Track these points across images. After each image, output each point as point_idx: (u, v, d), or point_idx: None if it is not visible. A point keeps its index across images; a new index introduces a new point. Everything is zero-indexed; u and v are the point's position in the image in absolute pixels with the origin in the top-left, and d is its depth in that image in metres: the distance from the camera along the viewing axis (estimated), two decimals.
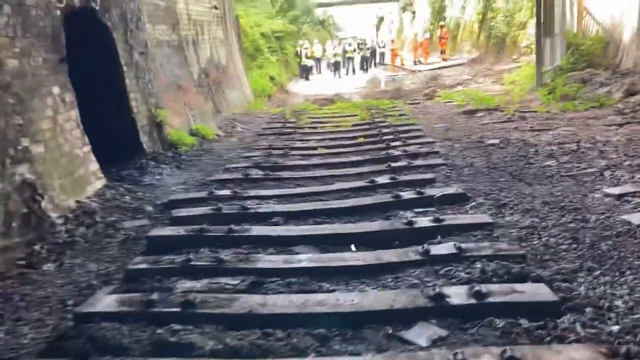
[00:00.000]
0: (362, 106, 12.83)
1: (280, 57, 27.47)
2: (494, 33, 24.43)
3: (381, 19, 73.59)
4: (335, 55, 29.70)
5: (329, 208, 5.23)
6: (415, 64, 30.18)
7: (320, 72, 33.91)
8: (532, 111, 10.12)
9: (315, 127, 10.49)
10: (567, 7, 14.04)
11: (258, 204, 5.51)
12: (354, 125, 10.32)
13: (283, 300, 3.42)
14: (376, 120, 10.58)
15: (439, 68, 26.83)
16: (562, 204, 4.96)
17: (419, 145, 7.82)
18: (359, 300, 3.36)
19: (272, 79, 21.09)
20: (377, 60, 34.06)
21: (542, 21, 11.60)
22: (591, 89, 10.66)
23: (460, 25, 31.82)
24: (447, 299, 3.25)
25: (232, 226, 4.64)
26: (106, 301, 3.52)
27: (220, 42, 12.92)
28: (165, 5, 9.32)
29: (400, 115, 11.08)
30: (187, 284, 3.79)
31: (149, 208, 5.70)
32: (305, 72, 29.30)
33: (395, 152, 7.48)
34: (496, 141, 7.64)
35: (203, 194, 5.86)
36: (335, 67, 29.96)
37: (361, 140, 8.85)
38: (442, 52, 30.15)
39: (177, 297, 3.48)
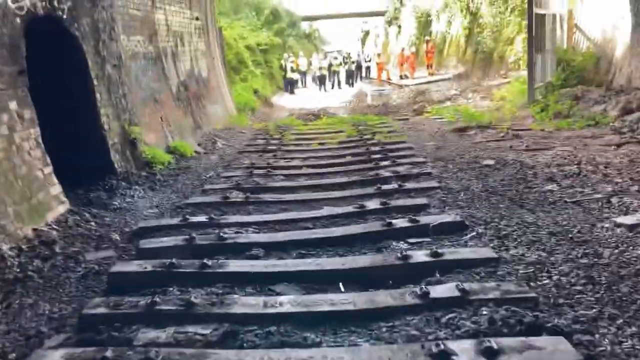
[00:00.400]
0: (349, 122, 12.40)
1: (265, 70, 27.07)
2: (480, 48, 24.27)
3: (367, 33, 73.73)
4: (321, 68, 29.35)
5: (315, 238, 4.74)
6: (401, 79, 29.94)
7: (305, 86, 33.56)
8: (526, 129, 9.76)
9: (300, 144, 10.03)
10: (557, 23, 13.79)
11: (237, 232, 5.01)
12: (340, 143, 9.87)
13: (260, 358, 2.91)
14: (364, 137, 10.15)
15: (426, 83, 26.60)
16: (570, 235, 4.53)
17: (410, 166, 7.38)
18: (350, 358, 2.87)
19: (256, 92, 20.65)
20: (363, 74, 33.81)
21: (533, 36, 11.29)
22: (585, 107, 10.34)
23: (447, 39, 31.72)
24: (453, 358, 2.77)
25: (206, 260, 4.13)
26: (51, 358, 2.98)
27: (201, 55, 12.44)
28: (142, 15, 8.83)
29: (389, 132, 10.67)
30: (150, 334, 3.26)
31: (116, 236, 5.16)
32: (291, 85, 28.91)
33: (385, 173, 7.02)
34: (492, 162, 7.22)
35: (176, 220, 5.34)
36: (321, 80, 29.61)
37: (349, 159, 8.39)
38: (429, 66, 29.99)
39: (136, 353, 2.96)
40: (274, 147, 9.63)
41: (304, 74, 33.53)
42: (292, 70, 28.72)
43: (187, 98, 10.74)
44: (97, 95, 6.92)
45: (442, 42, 32.12)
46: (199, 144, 9.98)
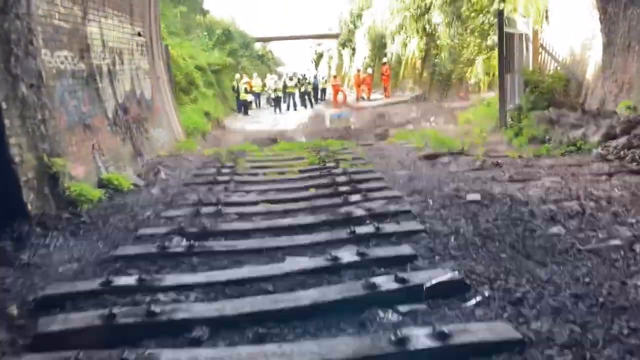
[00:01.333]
0: (309, 147, 11.38)
1: (217, 91, 25.88)
2: (438, 70, 23.89)
3: (320, 55, 73.58)
4: (276, 90, 28.37)
5: (278, 310, 3.62)
6: (358, 101, 29.30)
7: (259, 107, 32.51)
8: (502, 156, 8.97)
9: (256, 174, 8.91)
10: (523, 43, 13.27)
11: (174, 301, 3.85)
12: (302, 172, 8.81)
13: None
14: (327, 165, 9.14)
15: (383, 105, 26.02)
16: (600, 298, 3.60)
17: (384, 201, 6.37)
18: None
19: (207, 114, 19.44)
20: (319, 96, 33.06)
21: (504, 57, 10.61)
22: (562, 131, 9.66)
23: (402, 61, 31.38)
24: None
25: (127, 354, 2.96)
26: None
27: (144, 74, 11.21)
28: (70, 27, 7.58)
29: (354, 159, 9.70)
30: None
31: (14, 310, 3.90)
32: (244, 107, 27.78)
33: (358, 212, 5.98)
34: (477, 196, 6.29)
35: (95, 284, 4.11)
36: (276, 102, 28.61)
37: (313, 192, 7.33)
38: (385, 89, 29.49)
39: None
40: (226, 178, 8.47)
41: (258, 95, 32.51)
42: (246, 92, 27.62)
43: (126, 122, 9.48)
44: (7, 122, 5.65)
45: (397, 64, 31.76)
46: (138, 175, 8.71)
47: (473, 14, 18.99)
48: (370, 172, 8.38)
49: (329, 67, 62.84)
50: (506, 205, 5.91)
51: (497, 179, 7.34)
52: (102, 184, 7.49)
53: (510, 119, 12.07)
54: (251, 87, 30.55)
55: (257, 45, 55.94)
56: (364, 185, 7.28)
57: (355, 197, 6.62)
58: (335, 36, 58.15)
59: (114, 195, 7.36)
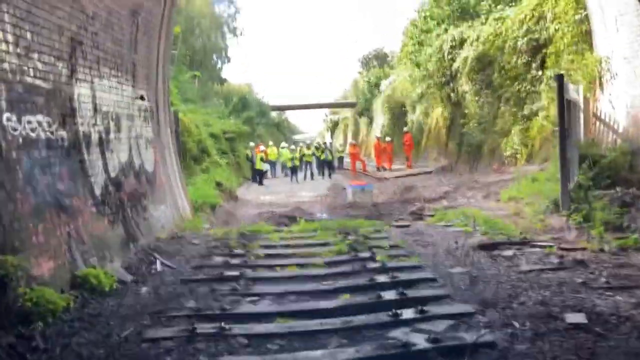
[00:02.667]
0: (334, 229, 9.70)
1: (230, 160, 24.62)
2: (467, 140, 22.44)
3: (336, 123, 73.40)
4: (293, 159, 27.06)
5: None
6: (378, 170, 27.85)
7: (275, 176, 31.21)
8: (579, 248, 7.20)
9: (271, 267, 7.20)
10: (574, 112, 11.73)
11: None
12: (329, 265, 7.10)
13: None
14: (360, 255, 7.44)
15: (406, 176, 24.48)
16: None
17: (450, 322, 4.62)
18: None
19: (219, 185, 17.96)
20: (336, 164, 31.77)
21: (565, 127, 9.04)
22: None
23: (424, 130, 30.15)
24: None
25: None
26: None
27: (146, 143, 9.77)
28: (49, 87, 6.15)
29: (391, 247, 7.99)
30: None
31: None
32: (260, 176, 26.42)
33: (417, 341, 4.22)
34: (581, 318, 4.52)
35: None
36: (292, 171, 27.24)
37: (345, 299, 5.58)
38: (407, 158, 28.10)
39: None
40: (235, 273, 6.76)
41: (273, 163, 31.33)
42: (262, 160, 26.33)
43: (119, 201, 7.91)
44: None
45: (419, 133, 30.55)
46: (127, 268, 7.04)
47: (507, 82, 17.65)
48: (417, 268, 6.65)
49: (345, 135, 62.32)
50: (631, 336, 4.12)
51: (590, 284, 5.57)
52: (76, 284, 5.82)
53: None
54: (267, 155, 29.38)
55: (273, 114, 55.70)
56: (414, 292, 5.53)
57: (407, 314, 4.86)
58: (351, 105, 57.82)
59: (89, 299, 5.67)
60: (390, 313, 4.83)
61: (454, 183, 17.56)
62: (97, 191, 7.24)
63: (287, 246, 8.57)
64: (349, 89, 69.16)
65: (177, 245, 8.75)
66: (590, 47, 12.55)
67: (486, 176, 17.53)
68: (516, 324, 4.50)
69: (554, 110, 15.18)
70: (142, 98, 9.54)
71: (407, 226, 9.92)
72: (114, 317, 5.21)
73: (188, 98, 29.05)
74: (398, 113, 36.37)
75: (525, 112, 16.78)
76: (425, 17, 30.97)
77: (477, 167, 21.46)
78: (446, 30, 27.29)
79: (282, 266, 7.20)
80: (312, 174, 28.61)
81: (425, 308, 4.91)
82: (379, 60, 58.70)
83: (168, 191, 10.67)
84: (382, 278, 6.17)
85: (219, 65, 48.95)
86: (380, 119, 41.18)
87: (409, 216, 11.22)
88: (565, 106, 9.08)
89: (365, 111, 49.88)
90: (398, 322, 4.69)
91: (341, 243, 8.32)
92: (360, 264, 6.99)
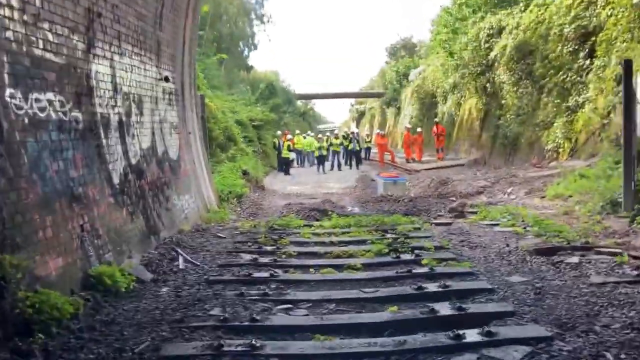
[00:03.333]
0: (370, 225, 8.96)
1: (257, 148, 23.98)
2: (502, 132, 21.39)
3: (362, 113, 72.29)
4: (320, 148, 26.30)
5: None
6: (408, 162, 26.94)
7: (302, 165, 30.55)
8: None
9: (305, 269, 6.49)
10: None
11: None
12: (368, 268, 6.37)
13: None
14: (402, 257, 6.69)
15: (437, 168, 23.55)
16: None
17: (525, 347, 3.84)
18: None
19: (245, 173, 17.33)
20: (363, 155, 30.92)
21: (631, 119, 8.10)
22: None
23: (456, 122, 29.09)
24: None
25: None
26: None
27: (171, 128, 9.13)
28: (62, 62, 5.50)
29: (436, 248, 7.21)
30: None
31: None
32: (286, 165, 25.76)
33: None
34: None
35: None
36: (319, 161, 26.49)
37: (394, 311, 4.83)
38: (438, 150, 27.12)
39: None
40: (264, 275, 6.07)
41: (300, 152, 30.66)
42: (289, 149, 25.64)
43: (139, 190, 7.28)
44: None
45: (449, 125, 29.51)
46: (147, 263, 6.41)
47: (551, 71, 16.55)
48: (470, 276, 5.86)
49: (371, 125, 61.22)
50: None
51: None
52: (88, 284, 5.20)
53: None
54: (294, 144, 28.70)
55: (299, 102, 54.97)
56: (474, 307, 4.75)
57: (471, 335, 4.08)
58: (379, 95, 56.69)
59: (102, 302, 5.03)
60: (450, 334, 4.07)
61: (490, 177, 16.60)
62: (116, 179, 6.60)
63: (320, 243, 7.85)
64: (376, 78, 68.01)
65: (202, 239, 8.11)
66: None
67: (525, 171, 16.52)
68: (609, 357, 3.70)
69: (602, 102, 14.17)
70: (166, 79, 8.88)
71: (449, 224, 9.12)
72: (129, 325, 4.55)
73: (214, 84, 28.46)
74: (428, 103, 35.29)
75: (570, 103, 15.72)
76: (460, 4, 29.82)
77: (513, 161, 20.45)
78: (483, 18, 26.15)
79: (317, 267, 6.47)
80: (339, 164, 27.86)
81: (491, 329, 4.13)
82: (407, 50, 57.51)
83: (193, 180, 10.03)
84: (431, 286, 5.41)
85: (245, 52, 48.39)
86: (409, 109, 40.10)
87: (448, 213, 10.38)
88: (631, 96, 8.12)
89: (393, 101, 48.80)
90: (461, 347, 3.93)
91: (380, 242, 7.57)
92: (405, 267, 6.23)
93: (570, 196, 11.17)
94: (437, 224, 9.10)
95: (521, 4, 21.66)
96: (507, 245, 7.27)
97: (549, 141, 16.63)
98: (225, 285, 5.79)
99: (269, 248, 7.51)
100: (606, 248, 6.73)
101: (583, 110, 15.19)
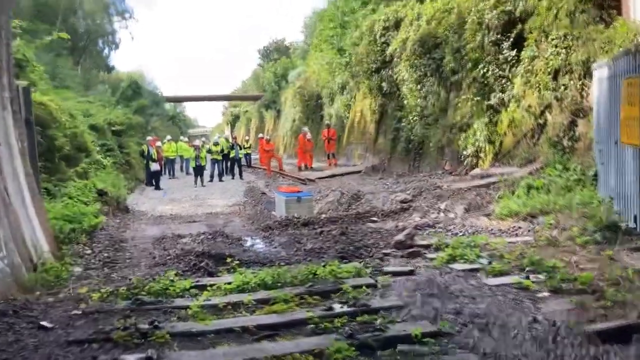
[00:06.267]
0: (297, 283, 5.79)
1: (118, 159, 19.69)
2: (405, 136, 19.29)
3: (237, 117, 68.59)
4: (197, 157, 22.57)
5: None
6: (300, 170, 24.12)
7: (174, 176, 26.54)
8: None
9: None
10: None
11: None
12: None
13: None
14: None
15: (334, 176, 20.97)
16: None
17: None
18: None
19: (101, 194, 13.30)
20: (244, 162, 27.71)
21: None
22: None
23: (346, 124, 26.83)
24: None
25: None
26: None
27: None
28: None
29: (425, 335, 4.21)
30: None
31: None
32: (155, 177, 21.72)
33: None
34: None
35: None
36: (197, 171, 22.76)
37: None
38: (329, 155, 24.62)
39: None
40: None
41: (172, 161, 26.64)
42: (152, 160, 21.48)
43: None
44: None
45: (339, 128, 27.22)
46: None
47: (468, 65, 14.49)
48: None
49: (247, 129, 57.69)
50: None
51: None
52: None
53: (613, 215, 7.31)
54: (163, 152, 24.64)
55: (167, 105, 50.20)
56: None
57: None
58: (254, 98, 53.48)
59: None
60: None
61: (407, 188, 14.15)
62: None
63: (225, 335, 4.50)
64: (249, 81, 64.79)
65: (5, 336, 4.39)
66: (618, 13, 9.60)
67: (445, 180, 14.31)
68: None
69: (534, 100, 12.27)
70: None
71: (410, 272, 6.21)
72: None
73: (67, 85, 23.68)
74: (313, 105, 32.87)
75: (492, 101, 13.75)
76: None
77: (419, 167, 18.41)
78: (374, 10, 24.12)
79: None
80: (219, 175, 24.34)
81: None
82: (280, 52, 55.57)
83: (3, 221, 6.16)
84: None
85: (105, 51, 43.07)
86: (291, 111, 37.45)
87: (394, 249, 7.50)
88: None
89: (272, 103, 46.11)
90: None
91: (329, 326, 4.44)
92: None
93: (532, 216, 8.87)
94: (395, 274, 6.13)
95: None
96: (535, 321, 4.49)
97: (468, 144, 14.58)
98: None
99: (132, 355, 4.04)
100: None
101: (508, 108, 13.27)
